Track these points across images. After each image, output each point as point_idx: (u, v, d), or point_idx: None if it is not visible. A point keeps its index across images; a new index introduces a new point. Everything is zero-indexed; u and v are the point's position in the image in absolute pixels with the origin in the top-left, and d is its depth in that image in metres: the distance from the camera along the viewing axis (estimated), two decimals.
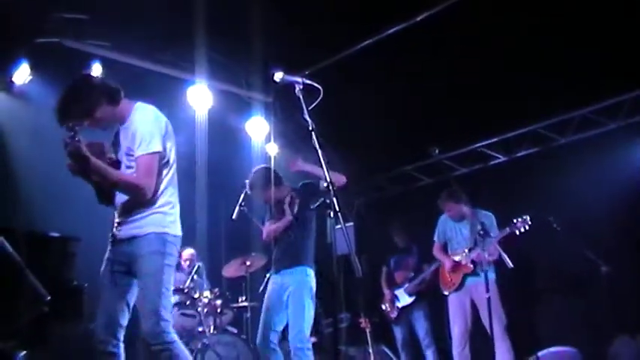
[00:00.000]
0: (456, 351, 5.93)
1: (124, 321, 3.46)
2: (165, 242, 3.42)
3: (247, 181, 5.30)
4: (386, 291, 7.36)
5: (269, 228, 5.20)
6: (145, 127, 3.40)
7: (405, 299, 7.14)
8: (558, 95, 6.94)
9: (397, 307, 7.18)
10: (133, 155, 3.41)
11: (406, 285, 7.14)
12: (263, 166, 5.42)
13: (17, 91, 6.48)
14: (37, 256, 3.45)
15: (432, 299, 6.97)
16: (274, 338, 4.88)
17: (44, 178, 6.29)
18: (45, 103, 6.51)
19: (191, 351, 5.58)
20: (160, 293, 3.32)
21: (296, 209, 5.11)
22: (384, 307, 7.32)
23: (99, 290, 3.52)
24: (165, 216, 3.47)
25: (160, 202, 3.46)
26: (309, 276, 4.96)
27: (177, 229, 3.53)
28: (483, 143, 8.31)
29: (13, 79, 6.37)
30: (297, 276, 4.92)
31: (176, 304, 6.14)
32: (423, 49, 6.61)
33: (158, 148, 3.38)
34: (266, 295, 5.06)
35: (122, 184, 3.40)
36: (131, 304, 3.49)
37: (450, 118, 7.41)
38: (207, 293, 6.35)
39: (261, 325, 4.92)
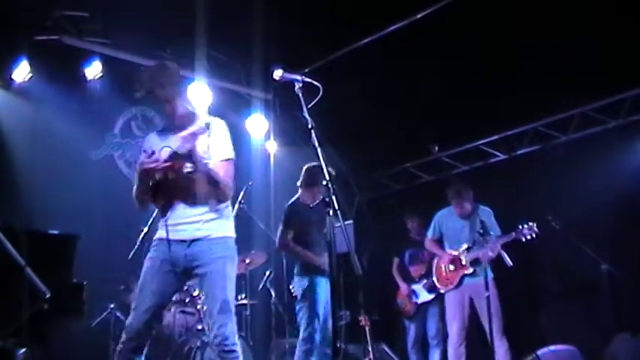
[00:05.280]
0: (452, 347, 5.92)
1: (157, 322, 3.48)
2: (234, 248, 3.59)
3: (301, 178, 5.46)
4: (403, 285, 7.07)
5: (305, 255, 5.36)
6: (225, 136, 3.62)
7: (424, 295, 6.86)
8: (559, 93, 6.93)
9: (415, 304, 6.93)
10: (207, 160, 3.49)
11: (424, 281, 6.84)
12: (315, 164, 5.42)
13: (17, 89, 6.45)
14: (36, 254, 3.43)
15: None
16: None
17: (43, 175, 6.28)
18: (45, 100, 6.53)
19: (190, 349, 5.59)
20: (233, 297, 3.48)
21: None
22: (399, 302, 7.08)
23: (142, 286, 3.47)
24: (229, 221, 3.64)
25: (225, 206, 3.61)
26: None
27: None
28: (484, 141, 8.28)
29: (13, 76, 6.35)
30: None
31: (175, 302, 6.14)
32: (423, 46, 6.60)
33: (234, 156, 3.59)
34: (320, 300, 5.25)
35: (215, 175, 3.46)
36: (165, 307, 3.53)
37: (450, 116, 7.40)
38: None
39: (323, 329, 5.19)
